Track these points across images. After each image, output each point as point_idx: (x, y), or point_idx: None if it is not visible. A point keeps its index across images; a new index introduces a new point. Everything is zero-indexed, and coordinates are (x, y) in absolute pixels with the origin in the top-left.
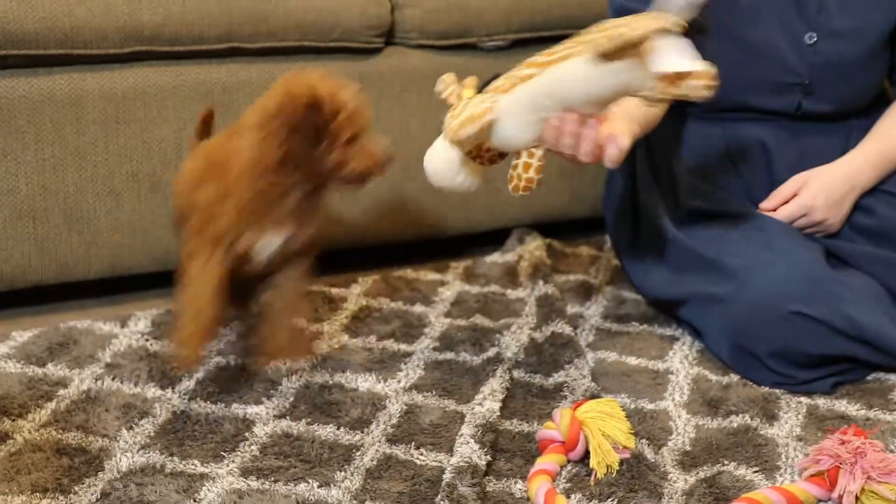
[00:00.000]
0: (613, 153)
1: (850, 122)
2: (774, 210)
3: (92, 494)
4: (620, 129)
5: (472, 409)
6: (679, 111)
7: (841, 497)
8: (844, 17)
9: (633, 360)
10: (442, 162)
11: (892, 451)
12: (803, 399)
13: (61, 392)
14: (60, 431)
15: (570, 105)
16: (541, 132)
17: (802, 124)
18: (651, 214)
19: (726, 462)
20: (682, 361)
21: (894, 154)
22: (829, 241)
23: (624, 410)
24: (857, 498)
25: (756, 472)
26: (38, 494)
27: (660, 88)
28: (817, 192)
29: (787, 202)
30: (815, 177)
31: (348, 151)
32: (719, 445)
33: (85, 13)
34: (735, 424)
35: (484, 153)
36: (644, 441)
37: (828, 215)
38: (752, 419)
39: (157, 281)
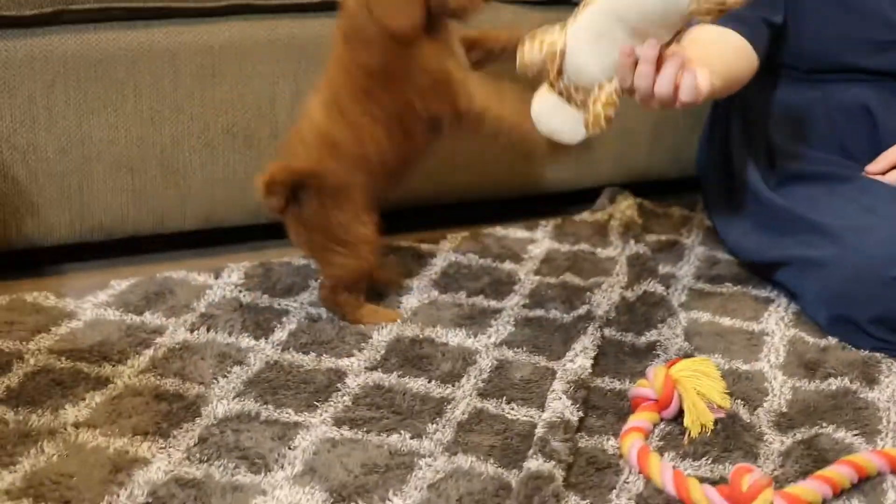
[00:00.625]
0: (689, 85)
1: None
2: (882, 174)
3: (190, 439)
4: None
5: (564, 365)
6: (776, 74)
7: None
8: None
9: (726, 321)
10: (538, 103)
11: None
12: None
13: (158, 340)
14: (158, 377)
15: (629, 24)
16: (612, 63)
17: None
18: (745, 176)
19: (825, 425)
20: (777, 323)
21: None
22: None
23: (719, 370)
24: None
25: (856, 435)
26: (139, 437)
27: None
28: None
29: (895, 167)
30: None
31: None
32: (817, 408)
33: None
34: (833, 387)
35: (573, 92)
36: (739, 401)
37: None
38: (851, 382)
39: (249, 234)
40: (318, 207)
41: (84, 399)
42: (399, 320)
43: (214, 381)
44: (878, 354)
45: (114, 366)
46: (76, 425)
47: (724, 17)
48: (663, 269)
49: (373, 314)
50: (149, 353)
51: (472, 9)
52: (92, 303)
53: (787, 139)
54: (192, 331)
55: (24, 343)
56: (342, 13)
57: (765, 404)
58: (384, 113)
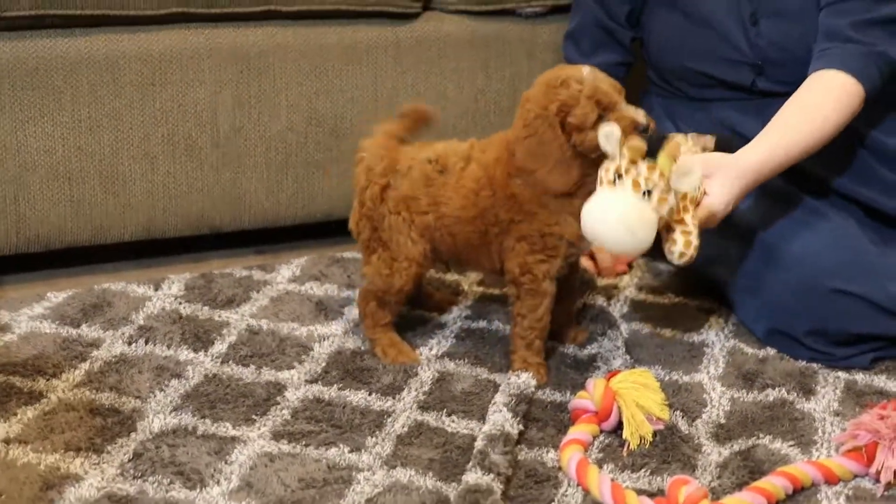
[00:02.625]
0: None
1: None
2: None
3: (124, 454)
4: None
5: (509, 378)
6: (670, 96)
7: (879, 473)
8: None
9: (667, 332)
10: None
11: None
12: (841, 374)
13: (95, 353)
14: (94, 391)
15: None
16: None
17: (768, 101)
18: None
19: (761, 435)
20: (717, 334)
21: (795, 150)
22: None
23: (658, 382)
24: (895, 474)
25: (792, 446)
26: (71, 453)
27: None
28: (719, 196)
29: None
30: (719, 174)
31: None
32: (755, 419)
33: None
34: (771, 398)
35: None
36: (678, 413)
37: (723, 215)
38: (788, 393)
39: (190, 244)
40: (381, 200)
41: (16, 414)
42: (417, 364)
43: (151, 394)
44: (814, 365)
45: (48, 380)
46: (7, 441)
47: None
48: (605, 280)
49: (390, 347)
50: (84, 366)
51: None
52: (27, 315)
53: None
54: (129, 343)
55: None
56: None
57: (703, 416)
58: (483, 222)
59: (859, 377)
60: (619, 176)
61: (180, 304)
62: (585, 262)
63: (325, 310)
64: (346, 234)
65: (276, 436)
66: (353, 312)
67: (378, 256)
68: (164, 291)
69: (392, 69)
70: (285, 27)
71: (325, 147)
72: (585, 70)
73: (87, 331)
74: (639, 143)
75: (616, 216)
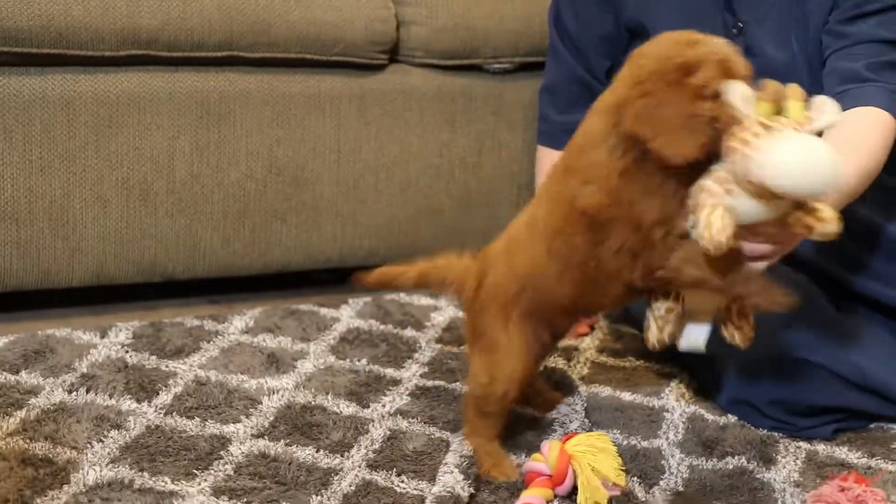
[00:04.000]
0: None
1: None
2: None
3: None
4: None
5: (456, 438)
6: None
7: None
8: (772, 54)
9: (627, 396)
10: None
11: (893, 502)
12: (802, 444)
13: (32, 401)
14: (28, 441)
15: None
16: None
17: None
18: None
19: None
20: (678, 399)
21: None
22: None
23: (616, 446)
24: None
25: None
26: None
27: None
28: None
29: None
30: None
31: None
32: (713, 487)
33: (82, 13)
34: (731, 466)
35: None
36: (635, 479)
37: None
38: (748, 462)
39: (141, 292)
40: (473, 301)
41: None
42: (512, 479)
43: (88, 445)
44: (776, 434)
45: None
46: None
47: (559, 134)
48: (566, 341)
49: (496, 464)
50: (20, 414)
51: None
52: None
53: None
54: (70, 392)
55: None
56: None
57: (661, 482)
58: (573, 256)
59: (821, 447)
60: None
61: (127, 352)
62: None
63: (276, 362)
64: (302, 286)
65: (217, 491)
66: (305, 366)
67: (480, 362)
68: (111, 339)
69: (356, 120)
70: (247, 73)
71: (284, 196)
72: (721, 40)
73: (27, 377)
74: (777, 86)
75: (823, 148)
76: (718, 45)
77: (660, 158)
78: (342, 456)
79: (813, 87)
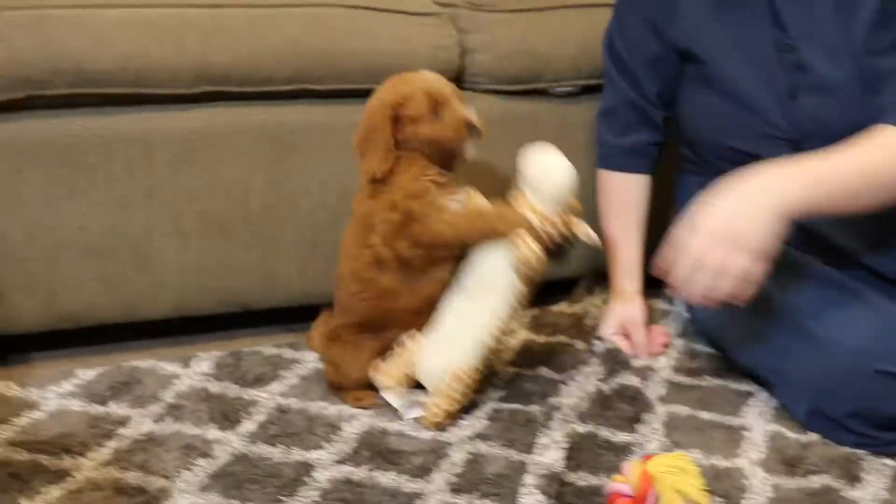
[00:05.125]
0: None
1: None
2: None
3: None
4: None
5: (534, 459)
6: (706, 173)
7: None
8: (829, 71)
9: (706, 415)
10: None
11: None
12: (888, 461)
13: (122, 431)
14: (120, 470)
15: None
16: None
17: None
18: None
19: None
20: (757, 417)
21: (836, 178)
22: None
23: (697, 466)
24: None
25: None
26: None
27: None
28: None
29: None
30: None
31: (435, 125)
32: None
33: (158, 53)
34: (816, 485)
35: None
36: (718, 499)
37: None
38: (833, 480)
39: (220, 323)
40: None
41: (41, 493)
42: (375, 407)
43: (178, 473)
44: (860, 451)
45: (74, 458)
46: None
47: (617, 157)
48: (640, 361)
49: (357, 395)
50: (112, 444)
51: (459, 141)
52: (56, 393)
53: None
54: (157, 421)
55: None
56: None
57: (744, 502)
58: (370, 253)
59: None
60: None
61: (209, 381)
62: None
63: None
64: None
65: None
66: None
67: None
68: (194, 369)
69: None
70: (316, 105)
71: None
72: (428, 72)
73: (116, 408)
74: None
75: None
76: (425, 79)
77: (364, 170)
78: (424, 480)
79: (865, 102)
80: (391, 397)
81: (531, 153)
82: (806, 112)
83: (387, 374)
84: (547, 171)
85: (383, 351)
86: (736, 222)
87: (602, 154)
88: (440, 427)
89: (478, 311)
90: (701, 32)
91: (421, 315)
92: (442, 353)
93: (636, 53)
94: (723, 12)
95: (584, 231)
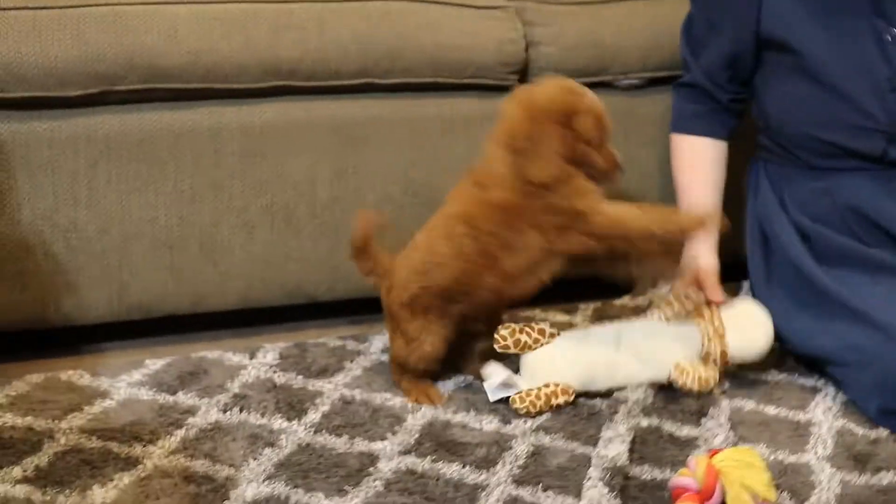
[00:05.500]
0: None
1: None
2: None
3: None
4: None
5: (598, 452)
6: (785, 157)
7: None
8: None
9: (771, 410)
10: None
11: None
12: None
13: (190, 420)
14: (188, 459)
15: None
16: None
17: None
18: (785, 252)
19: None
20: (825, 413)
21: None
22: None
23: (763, 461)
24: None
25: None
26: None
27: None
28: None
29: None
30: None
31: (599, 152)
32: (869, 503)
33: (227, 48)
34: (885, 482)
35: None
36: (785, 494)
37: None
38: None
39: (287, 314)
40: (389, 295)
41: (112, 479)
42: (439, 404)
43: (245, 462)
44: None
45: (144, 446)
46: None
47: (688, 120)
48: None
49: (421, 392)
50: (180, 433)
51: (612, 173)
52: (126, 382)
53: (811, 222)
54: (224, 411)
55: (55, 422)
56: (481, 162)
57: (812, 498)
58: (498, 246)
59: None
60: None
61: (275, 372)
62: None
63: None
64: None
65: None
66: (446, 384)
67: (401, 342)
68: (259, 360)
69: None
70: (382, 99)
71: (420, 217)
72: (581, 86)
73: (184, 398)
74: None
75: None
76: (595, 101)
77: (525, 172)
78: (488, 472)
79: None
80: (490, 369)
81: (751, 308)
82: None
83: (506, 342)
84: (760, 338)
85: (456, 330)
86: None
87: (674, 119)
88: (530, 414)
89: (635, 361)
90: (794, 21)
91: (502, 295)
92: (573, 360)
93: (715, 41)
94: (818, 2)
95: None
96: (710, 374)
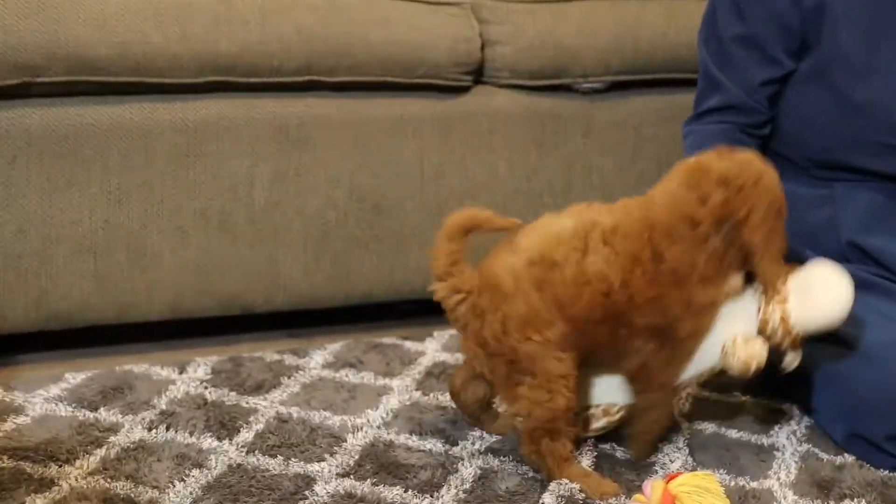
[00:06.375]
0: None
1: None
2: None
3: None
4: None
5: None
6: (784, 168)
7: None
8: None
9: (733, 433)
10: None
11: None
12: None
13: (112, 438)
14: (109, 480)
15: None
16: None
17: None
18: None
19: None
20: (789, 437)
21: None
22: None
23: (723, 487)
24: None
25: None
26: None
27: None
28: None
29: None
30: None
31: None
32: None
33: (161, 40)
34: None
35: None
36: None
37: None
38: None
39: (220, 326)
40: (500, 330)
41: (24, 503)
42: (619, 496)
43: (170, 485)
44: None
45: (60, 466)
46: None
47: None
48: None
49: (586, 478)
50: (100, 452)
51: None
52: (43, 397)
53: (793, 236)
54: (149, 429)
55: None
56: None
57: None
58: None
59: None
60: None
61: (206, 388)
62: None
63: (359, 398)
64: (386, 318)
65: None
66: (389, 402)
67: (528, 387)
68: (190, 375)
69: (439, 144)
70: (327, 98)
71: (366, 224)
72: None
73: (106, 415)
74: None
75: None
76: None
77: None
78: (432, 496)
79: None
80: None
81: (825, 270)
82: None
83: None
84: (828, 302)
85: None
86: None
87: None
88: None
89: None
90: (849, 22)
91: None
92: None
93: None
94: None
95: (791, 361)
96: (755, 353)
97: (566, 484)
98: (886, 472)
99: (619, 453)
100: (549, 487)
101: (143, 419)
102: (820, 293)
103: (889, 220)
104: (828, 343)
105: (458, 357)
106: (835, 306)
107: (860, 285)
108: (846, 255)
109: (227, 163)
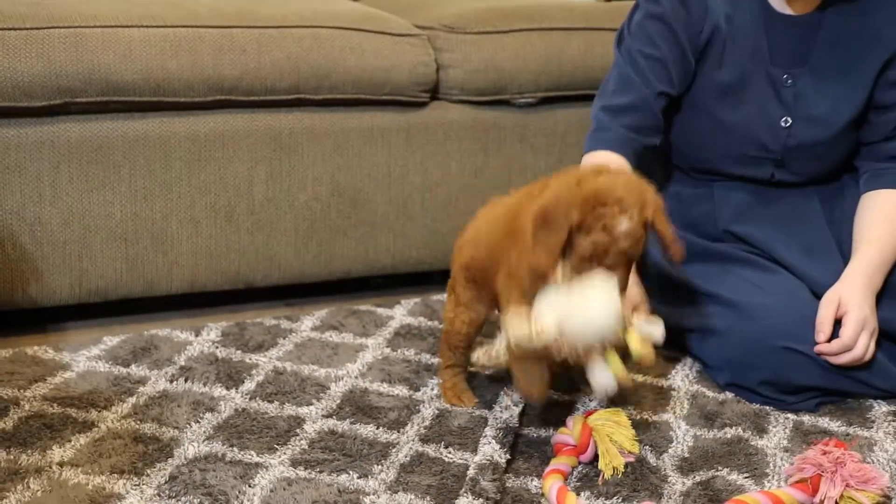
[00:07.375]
0: None
1: (826, 186)
2: (835, 355)
3: (161, 477)
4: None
5: (495, 413)
6: (669, 169)
7: (822, 502)
8: (819, 104)
9: (639, 377)
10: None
11: (868, 462)
12: (790, 416)
13: (141, 389)
14: (138, 422)
15: None
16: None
17: (780, 189)
18: (650, 254)
19: (720, 468)
20: (682, 379)
21: (890, 254)
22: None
23: (630, 420)
24: (836, 503)
25: (746, 477)
26: (115, 475)
27: None
28: (855, 320)
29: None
30: (848, 304)
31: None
32: (714, 453)
33: (176, 67)
34: (729, 436)
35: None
36: (647, 447)
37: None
38: (744, 431)
39: (227, 297)
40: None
41: (70, 441)
42: (471, 406)
43: (188, 425)
44: (767, 408)
45: (99, 411)
46: (61, 464)
47: (593, 138)
48: None
49: (458, 394)
50: (132, 400)
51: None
52: (85, 356)
53: (680, 226)
54: (171, 381)
55: (21, 391)
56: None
57: (669, 450)
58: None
59: (806, 419)
60: None
61: (217, 348)
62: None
63: (341, 354)
64: (362, 290)
65: (295, 463)
66: (365, 357)
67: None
68: (204, 337)
69: (403, 149)
70: (312, 112)
71: (345, 215)
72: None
73: (136, 370)
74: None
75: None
76: (622, 222)
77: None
78: (398, 432)
79: (851, 144)
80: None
81: (585, 287)
82: (797, 138)
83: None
84: (587, 315)
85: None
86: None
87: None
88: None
89: None
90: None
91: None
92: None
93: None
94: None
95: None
96: (508, 336)
97: (503, 419)
98: (758, 406)
99: (554, 395)
100: (490, 423)
101: (166, 373)
102: (584, 308)
103: (755, 212)
104: (706, 305)
105: (422, 320)
106: (596, 319)
107: (737, 260)
108: (723, 239)
109: (231, 166)
